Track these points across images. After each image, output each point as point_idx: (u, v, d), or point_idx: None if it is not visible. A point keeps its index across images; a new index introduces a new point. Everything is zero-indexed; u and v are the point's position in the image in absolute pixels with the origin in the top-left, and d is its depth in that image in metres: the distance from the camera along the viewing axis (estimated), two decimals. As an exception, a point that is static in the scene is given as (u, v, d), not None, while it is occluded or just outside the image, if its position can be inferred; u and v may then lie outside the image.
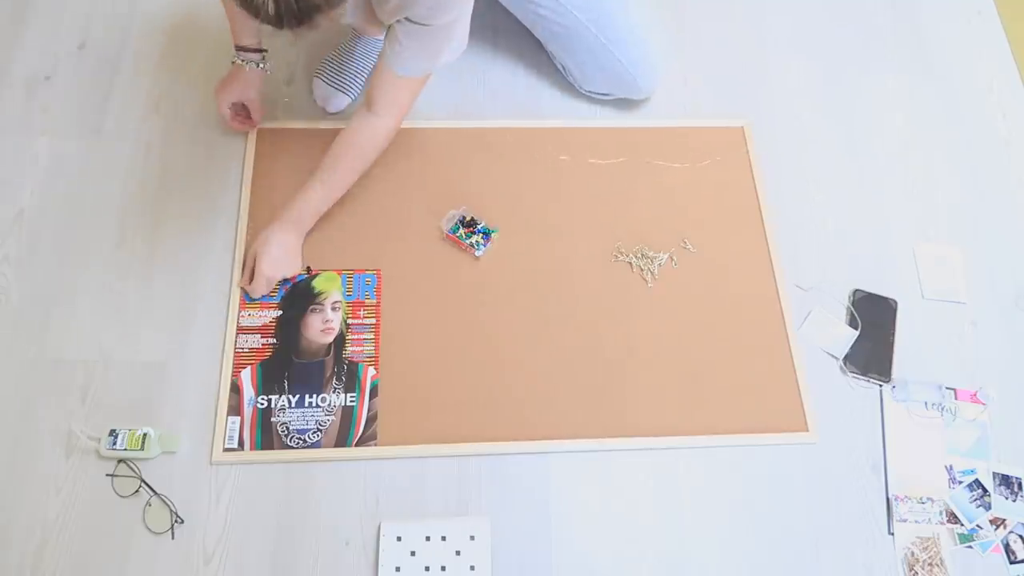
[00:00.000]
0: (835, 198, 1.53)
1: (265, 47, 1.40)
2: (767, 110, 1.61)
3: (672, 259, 1.43)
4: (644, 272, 1.41)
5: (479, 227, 1.41)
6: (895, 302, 1.42)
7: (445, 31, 1.22)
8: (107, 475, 1.21)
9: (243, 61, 1.39)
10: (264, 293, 1.33)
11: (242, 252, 1.38)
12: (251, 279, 1.33)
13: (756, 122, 1.59)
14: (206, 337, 1.32)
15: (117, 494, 1.20)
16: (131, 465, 1.22)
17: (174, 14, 1.64)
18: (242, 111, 1.46)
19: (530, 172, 1.50)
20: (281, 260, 1.33)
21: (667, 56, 1.59)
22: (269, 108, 1.52)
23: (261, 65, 1.41)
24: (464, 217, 1.42)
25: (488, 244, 1.41)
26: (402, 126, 1.50)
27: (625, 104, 1.58)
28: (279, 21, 0.93)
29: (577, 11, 1.45)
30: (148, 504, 1.19)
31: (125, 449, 1.20)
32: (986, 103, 1.67)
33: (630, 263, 1.42)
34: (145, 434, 1.21)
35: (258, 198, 1.43)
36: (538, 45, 1.60)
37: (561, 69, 1.60)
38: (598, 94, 1.58)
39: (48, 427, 1.24)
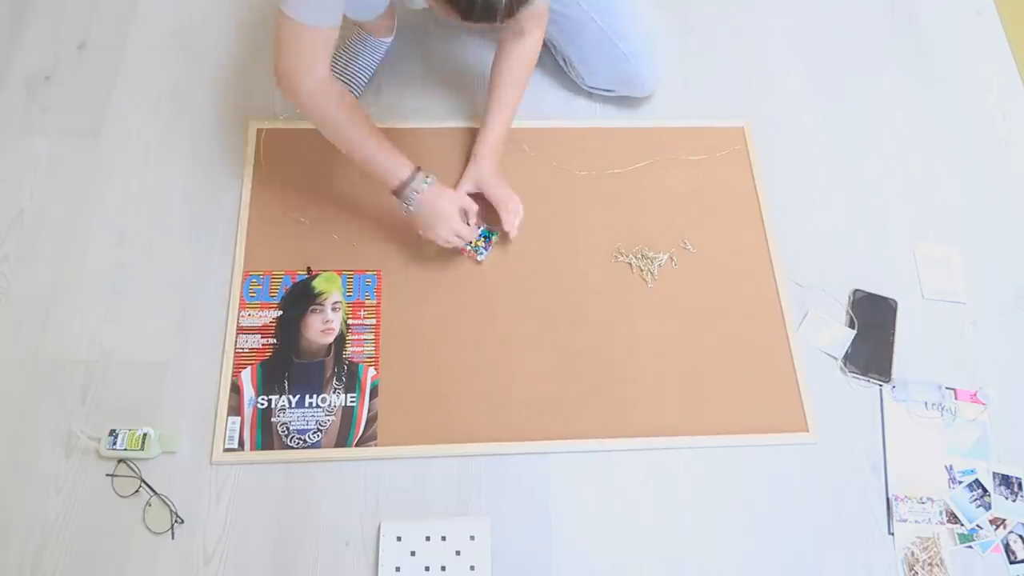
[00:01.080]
0: (835, 198, 1.53)
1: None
2: (767, 110, 1.61)
3: (672, 259, 1.43)
4: (644, 272, 1.41)
5: (479, 231, 1.41)
6: (895, 302, 1.42)
7: None
8: (107, 475, 1.21)
9: (426, 183, 1.27)
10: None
11: (242, 252, 1.38)
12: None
13: (756, 122, 1.59)
14: (206, 337, 1.32)
15: (117, 494, 1.20)
16: (131, 465, 1.22)
17: (174, 14, 1.64)
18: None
19: (530, 173, 1.50)
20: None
21: (667, 56, 1.59)
22: (269, 108, 1.52)
23: (430, 177, 1.28)
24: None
25: (489, 248, 1.41)
26: (402, 126, 1.51)
27: (625, 104, 1.58)
28: (494, 14, 0.95)
29: (584, 2, 1.45)
30: (148, 504, 1.19)
31: (125, 449, 1.20)
32: (986, 103, 1.67)
33: (630, 264, 1.42)
34: (145, 434, 1.21)
35: (258, 198, 1.43)
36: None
37: (564, 65, 1.59)
38: (601, 90, 1.57)
39: (48, 427, 1.24)
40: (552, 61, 1.60)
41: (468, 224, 1.34)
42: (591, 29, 1.47)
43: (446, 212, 1.29)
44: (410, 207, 1.28)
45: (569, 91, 1.60)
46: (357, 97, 1.53)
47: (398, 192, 1.27)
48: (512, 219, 1.36)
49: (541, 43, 1.39)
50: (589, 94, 1.59)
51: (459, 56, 1.62)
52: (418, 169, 1.27)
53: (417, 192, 1.26)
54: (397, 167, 1.26)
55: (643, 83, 1.53)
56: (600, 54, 1.50)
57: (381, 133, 1.26)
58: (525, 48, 1.37)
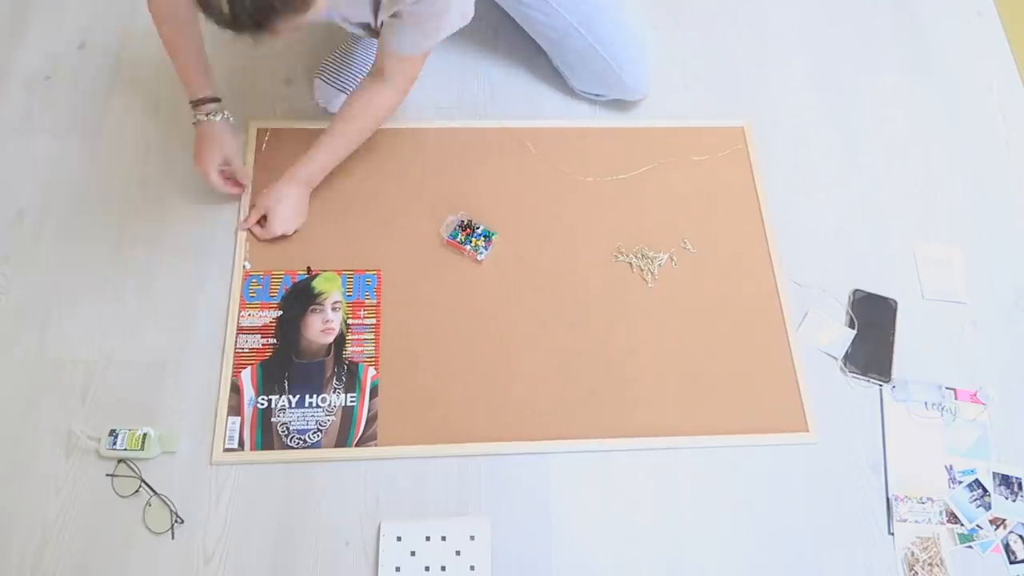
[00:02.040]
0: (835, 198, 1.53)
1: (219, 96, 1.36)
2: (767, 110, 1.61)
3: (672, 259, 1.43)
4: (644, 272, 1.41)
5: (479, 231, 1.41)
6: (895, 302, 1.42)
7: (436, 16, 1.22)
8: (107, 475, 1.21)
9: (206, 116, 1.34)
10: (268, 239, 1.39)
11: (242, 252, 1.38)
12: (257, 226, 1.39)
13: (756, 122, 1.59)
14: (206, 337, 1.32)
15: (117, 494, 1.20)
16: (131, 465, 1.22)
17: (174, 14, 1.64)
18: (229, 174, 1.40)
19: (530, 173, 1.50)
20: (290, 217, 1.39)
21: (667, 56, 1.59)
22: (269, 108, 1.52)
23: (221, 116, 1.35)
24: (463, 221, 1.42)
25: (489, 248, 1.41)
26: (401, 126, 1.51)
27: (625, 104, 1.58)
28: (234, 23, 0.92)
29: (566, 12, 1.45)
30: (148, 504, 1.19)
31: (125, 449, 1.20)
32: (986, 103, 1.67)
33: (630, 263, 1.42)
34: (145, 434, 1.21)
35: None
36: (538, 45, 1.60)
37: (557, 69, 1.60)
38: (591, 94, 1.58)
39: (48, 427, 1.24)
40: (550, 64, 1.60)
41: (223, 174, 1.38)
42: (574, 38, 1.48)
43: (200, 151, 1.36)
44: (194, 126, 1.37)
45: (568, 92, 1.60)
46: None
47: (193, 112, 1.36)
48: (246, 225, 1.40)
49: (402, 101, 1.36)
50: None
51: (455, 56, 1.62)
52: (204, 101, 1.34)
53: (193, 122, 1.36)
54: (192, 89, 1.35)
55: (629, 88, 1.53)
56: (584, 62, 1.51)
57: (196, 48, 1.33)
58: (379, 95, 1.33)
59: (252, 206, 1.41)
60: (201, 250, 1.39)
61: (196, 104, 1.34)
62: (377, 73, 1.32)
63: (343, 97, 1.51)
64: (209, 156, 1.36)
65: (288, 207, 1.38)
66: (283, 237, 1.39)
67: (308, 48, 1.61)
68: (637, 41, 1.51)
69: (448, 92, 1.57)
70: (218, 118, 1.35)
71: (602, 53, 1.48)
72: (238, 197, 1.43)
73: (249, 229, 1.40)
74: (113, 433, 1.21)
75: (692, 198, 1.49)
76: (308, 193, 1.41)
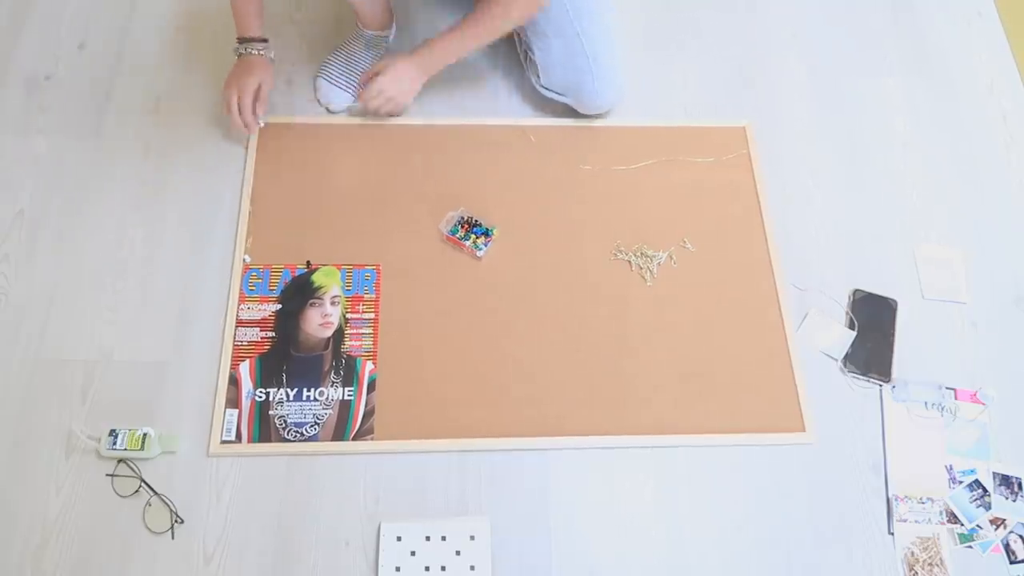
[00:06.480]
0: (835, 198, 1.53)
1: (267, 36, 1.43)
2: (768, 110, 1.61)
3: (672, 258, 1.43)
4: (643, 271, 1.42)
5: (478, 227, 1.41)
6: (895, 302, 1.42)
7: None
8: (107, 475, 1.21)
9: (250, 51, 1.41)
10: (373, 109, 1.47)
11: (242, 251, 1.38)
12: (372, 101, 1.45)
13: (757, 122, 1.59)
14: (206, 332, 1.32)
15: (117, 494, 1.20)
16: (131, 465, 1.22)
17: (174, 14, 1.64)
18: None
19: (530, 171, 1.50)
20: (402, 87, 1.44)
21: (669, 55, 1.59)
22: (270, 107, 1.52)
23: (265, 53, 1.42)
24: (463, 217, 1.42)
25: (489, 244, 1.41)
26: (403, 122, 1.52)
27: (625, 103, 1.58)
28: None
29: (567, 1, 1.44)
30: (148, 504, 1.19)
31: (125, 449, 1.20)
32: (986, 104, 1.67)
33: (629, 262, 1.42)
34: (145, 434, 1.21)
35: (258, 193, 1.44)
36: (510, 46, 1.60)
37: (523, 59, 1.57)
38: (552, 92, 1.53)
39: (48, 427, 1.24)
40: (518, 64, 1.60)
41: (253, 104, 1.42)
42: (561, 20, 1.44)
43: (238, 76, 1.41)
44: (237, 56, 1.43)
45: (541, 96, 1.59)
46: (356, 97, 1.52)
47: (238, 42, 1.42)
48: (373, 102, 1.46)
49: (535, 10, 1.39)
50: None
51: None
52: (254, 40, 1.41)
53: (239, 54, 1.42)
54: (246, 27, 1.41)
55: (595, 90, 1.48)
56: (564, 48, 1.46)
57: None
58: (502, 6, 1.36)
59: (363, 83, 1.46)
60: (201, 245, 1.40)
61: (246, 41, 1.41)
62: None
63: (345, 95, 1.51)
64: (245, 81, 1.40)
65: (403, 74, 1.43)
66: (388, 116, 1.49)
67: (308, 48, 1.61)
68: (616, 47, 1.49)
69: (448, 90, 1.57)
70: (271, 54, 1.43)
71: (583, 43, 1.45)
72: (248, 132, 1.45)
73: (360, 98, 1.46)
74: (113, 433, 1.21)
75: (692, 197, 1.49)
76: (424, 78, 1.45)
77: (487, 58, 1.62)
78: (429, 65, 1.44)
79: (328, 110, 1.52)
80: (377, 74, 1.44)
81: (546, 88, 1.53)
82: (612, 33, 1.49)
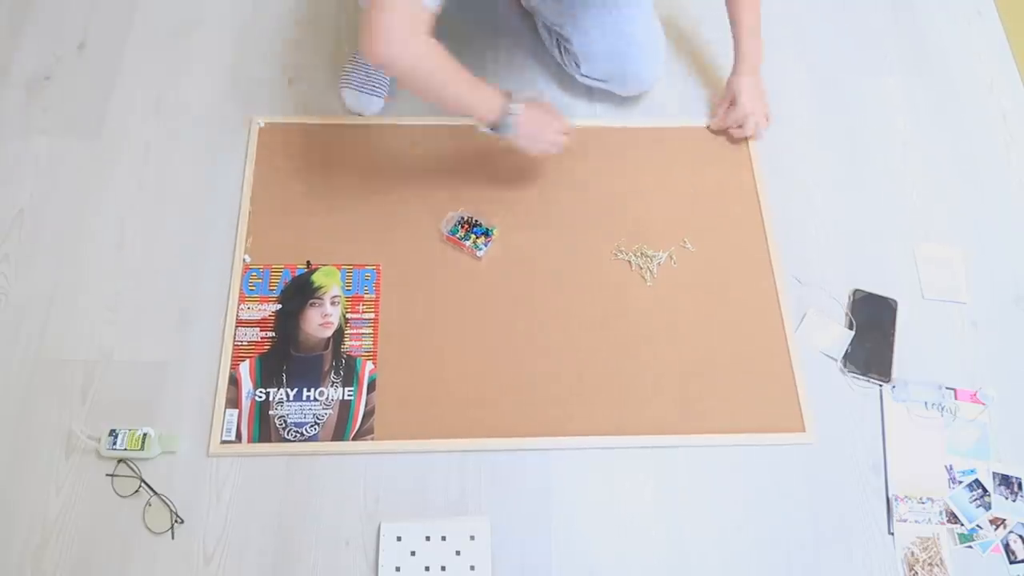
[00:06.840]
0: (835, 198, 1.53)
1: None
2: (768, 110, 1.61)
3: (672, 258, 1.43)
4: (643, 271, 1.42)
5: (478, 227, 1.41)
6: (895, 302, 1.42)
7: None
8: (107, 475, 1.21)
9: (518, 101, 1.27)
10: (756, 135, 1.54)
11: (242, 251, 1.38)
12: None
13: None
14: (206, 332, 1.32)
15: (117, 494, 1.20)
16: (131, 465, 1.22)
17: (174, 14, 1.64)
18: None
19: (531, 170, 1.50)
20: (759, 99, 1.53)
21: (669, 55, 1.58)
22: (271, 107, 1.53)
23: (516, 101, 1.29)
24: (463, 217, 1.42)
25: (489, 244, 1.41)
26: (404, 122, 1.52)
27: (626, 103, 1.58)
28: None
29: None
30: (148, 504, 1.19)
31: (125, 449, 1.20)
32: (986, 103, 1.67)
33: (629, 261, 1.42)
34: (145, 434, 1.21)
35: (258, 193, 1.44)
36: (539, 43, 1.60)
37: (558, 53, 1.57)
38: (593, 79, 1.54)
39: (48, 427, 1.24)
40: (551, 62, 1.60)
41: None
42: (603, 12, 1.45)
43: (544, 119, 1.33)
44: (510, 132, 1.27)
45: (567, 92, 1.60)
46: (388, 97, 1.52)
47: (496, 124, 1.25)
48: (750, 128, 1.51)
49: None
50: (589, 94, 1.59)
51: (485, 57, 1.62)
52: (506, 94, 1.25)
53: (513, 115, 1.25)
54: (491, 99, 1.24)
55: (639, 71, 1.51)
56: (602, 29, 1.46)
57: (464, 70, 1.22)
58: None
59: (720, 105, 1.54)
60: (201, 245, 1.39)
61: (507, 97, 1.25)
62: None
63: (375, 100, 1.50)
64: (551, 111, 1.36)
65: (760, 97, 1.52)
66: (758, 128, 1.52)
67: (308, 48, 1.61)
68: (655, 21, 1.52)
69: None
70: (518, 101, 1.27)
71: (624, 26, 1.45)
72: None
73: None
74: (113, 433, 1.21)
75: (692, 197, 1.49)
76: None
77: (487, 58, 1.62)
78: (758, 66, 1.52)
79: (361, 116, 1.52)
80: (731, 104, 1.51)
81: (586, 76, 1.54)
82: (650, 12, 1.50)
